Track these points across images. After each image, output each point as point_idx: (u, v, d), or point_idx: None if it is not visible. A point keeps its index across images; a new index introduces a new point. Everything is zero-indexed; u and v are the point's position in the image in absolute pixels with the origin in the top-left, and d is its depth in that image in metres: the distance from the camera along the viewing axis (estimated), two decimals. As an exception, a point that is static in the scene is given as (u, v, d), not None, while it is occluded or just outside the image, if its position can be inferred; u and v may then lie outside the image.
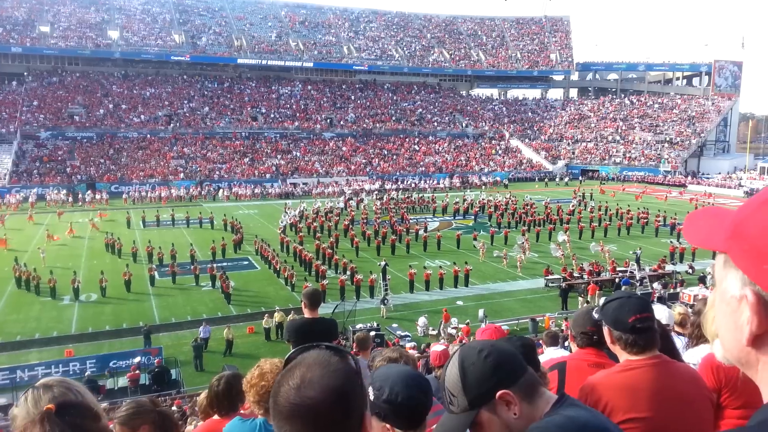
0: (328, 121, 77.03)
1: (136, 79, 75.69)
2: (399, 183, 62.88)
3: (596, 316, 2.47)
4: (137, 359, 19.03)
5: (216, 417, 3.58)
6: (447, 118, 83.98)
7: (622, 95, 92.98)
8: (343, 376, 1.26)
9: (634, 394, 2.21)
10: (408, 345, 18.80)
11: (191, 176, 59.96)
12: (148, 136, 66.04)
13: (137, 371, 18.37)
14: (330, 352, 1.32)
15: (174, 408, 12.94)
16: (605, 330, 2.38)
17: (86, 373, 18.19)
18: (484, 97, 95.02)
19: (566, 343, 9.57)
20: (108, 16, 78.48)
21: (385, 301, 24.67)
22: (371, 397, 1.75)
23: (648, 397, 2.20)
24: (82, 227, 39.76)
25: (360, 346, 6.19)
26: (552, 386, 2.63)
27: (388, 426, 1.76)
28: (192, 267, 29.05)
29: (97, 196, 51.92)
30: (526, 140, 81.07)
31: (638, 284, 27.17)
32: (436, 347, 5.35)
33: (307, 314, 5.17)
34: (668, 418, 2.18)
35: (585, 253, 33.31)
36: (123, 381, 18.36)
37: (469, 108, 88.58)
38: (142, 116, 68.95)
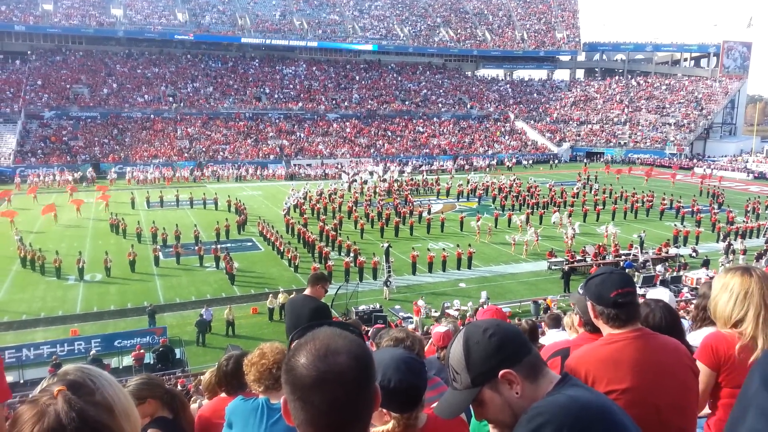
0: (333, 102, 76.66)
1: (140, 58, 75.34)
2: (403, 166, 62.50)
3: (580, 291, 2.50)
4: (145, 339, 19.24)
5: (223, 395, 3.64)
6: (452, 100, 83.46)
7: (629, 76, 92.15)
8: (363, 346, 1.31)
9: (616, 366, 2.27)
10: (410, 327, 18.91)
11: (195, 157, 59.92)
12: (152, 116, 65.88)
13: (142, 350, 18.54)
14: (342, 328, 1.35)
15: (178, 387, 13.08)
16: (588, 305, 2.42)
17: (91, 352, 18.38)
18: (489, 78, 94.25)
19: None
20: (111, -5, 77.89)
21: (388, 283, 24.75)
22: None
23: (629, 368, 2.26)
24: (88, 207, 39.80)
25: None
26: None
27: (384, 411, 1.77)
28: (196, 248, 29.17)
29: (109, 177, 51.94)
30: (532, 122, 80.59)
31: (641, 267, 27.21)
32: (439, 328, 5.36)
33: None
34: (650, 389, 2.25)
35: (590, 236, 33.33)
36: (128, 360, 18.55)
37: (474, 89, 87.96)
38: (146, 96, 68.75)
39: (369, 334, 10.60)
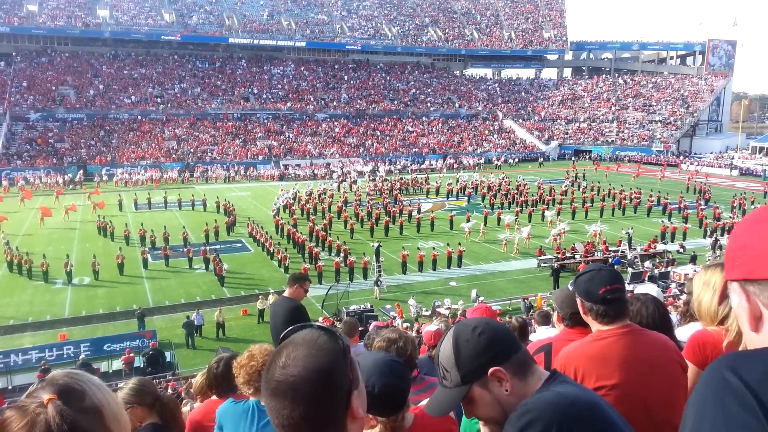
0: (321, 101, 76.51)
1: (126, 59, 74.77)
2: (392, 165, 62.52)
3: (570, 288, 2.52)
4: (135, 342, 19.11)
5: (214, 398, 3.63)
6: (440, 99, 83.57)
7: (616, 75, 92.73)
8: (329, 354, 1.25)
9: (604, 362, 2.30)
10: (401, 327, 18.90)
11: (183, 158, 59.56)
12: (139, 117, 65.42)
13: (131, 354, 18.42)
14: (320, 332, 1.32)
15: (169, 390, 13.01)
16: (578, 301, 2.44)
17: (81, 357, 18.24)
18: (477, 77, 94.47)
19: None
20: (96, -5, 77.22)
21: (379, 283, 24.75)
22: None
23: (618, 364, 2.29)
24: (75, 210, 39.44)
25: (347, 333, 6.24)
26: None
27: (370, 416, 1.77)
28: (185, 250, 29.00)
29: (96, 179, 51.43)
30: (520, 120, 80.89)
31: (631, 264, 27.40)
32: (429, 327, 5.37)
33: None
34: (638, 384, 2.27)
35: (579, 234, 33.50)
36: (118, 364, 18.42)
37: (462, 88, 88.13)
38: (133, 97, 68.26)
39: (370, 328, 10.60)
